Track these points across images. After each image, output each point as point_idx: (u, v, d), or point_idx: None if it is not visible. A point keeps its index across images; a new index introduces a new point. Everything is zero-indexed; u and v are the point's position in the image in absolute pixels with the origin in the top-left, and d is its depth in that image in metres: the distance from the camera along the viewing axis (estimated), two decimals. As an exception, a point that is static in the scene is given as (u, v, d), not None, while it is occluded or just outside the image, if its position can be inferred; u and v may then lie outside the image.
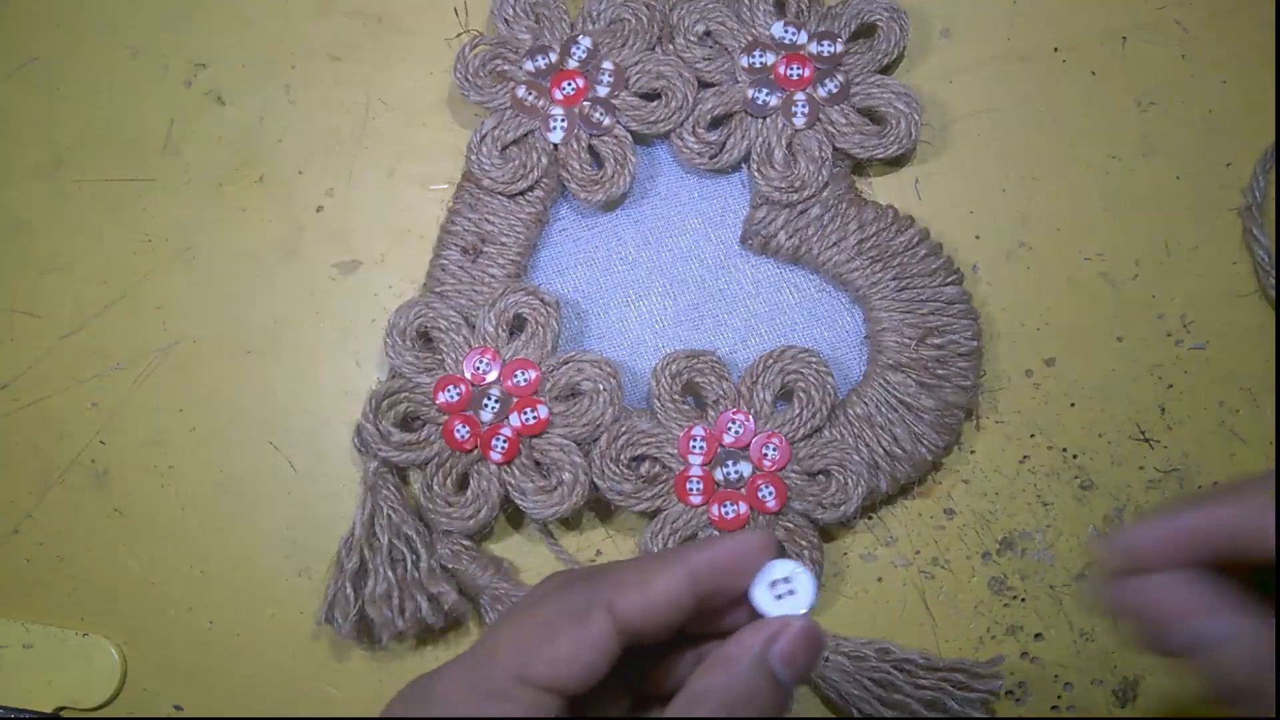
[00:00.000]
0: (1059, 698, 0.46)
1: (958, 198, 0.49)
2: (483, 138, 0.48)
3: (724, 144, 0.48)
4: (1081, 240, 0.49)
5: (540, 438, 0.46)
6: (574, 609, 0.29)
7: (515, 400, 0.46)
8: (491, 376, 0.46)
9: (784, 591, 0.31)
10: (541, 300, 0.46)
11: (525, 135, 0.49)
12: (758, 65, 0.48)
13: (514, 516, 0.48)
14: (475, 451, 0.46)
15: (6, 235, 0.51)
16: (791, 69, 0.48)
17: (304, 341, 0.50)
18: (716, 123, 0.49)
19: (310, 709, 0.47)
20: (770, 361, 0.46)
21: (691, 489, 0.45)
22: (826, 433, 0.46)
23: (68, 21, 0.53)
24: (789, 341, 0.48)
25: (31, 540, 0.49)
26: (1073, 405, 0.48)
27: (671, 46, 0.49)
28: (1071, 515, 0.47)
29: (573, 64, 0.49)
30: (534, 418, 0.45)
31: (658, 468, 0.46)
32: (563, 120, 0.48)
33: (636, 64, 0.49)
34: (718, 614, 0.31)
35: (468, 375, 0.46)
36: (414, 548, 0.46)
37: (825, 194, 0.48)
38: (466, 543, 0.46)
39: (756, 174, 0.48)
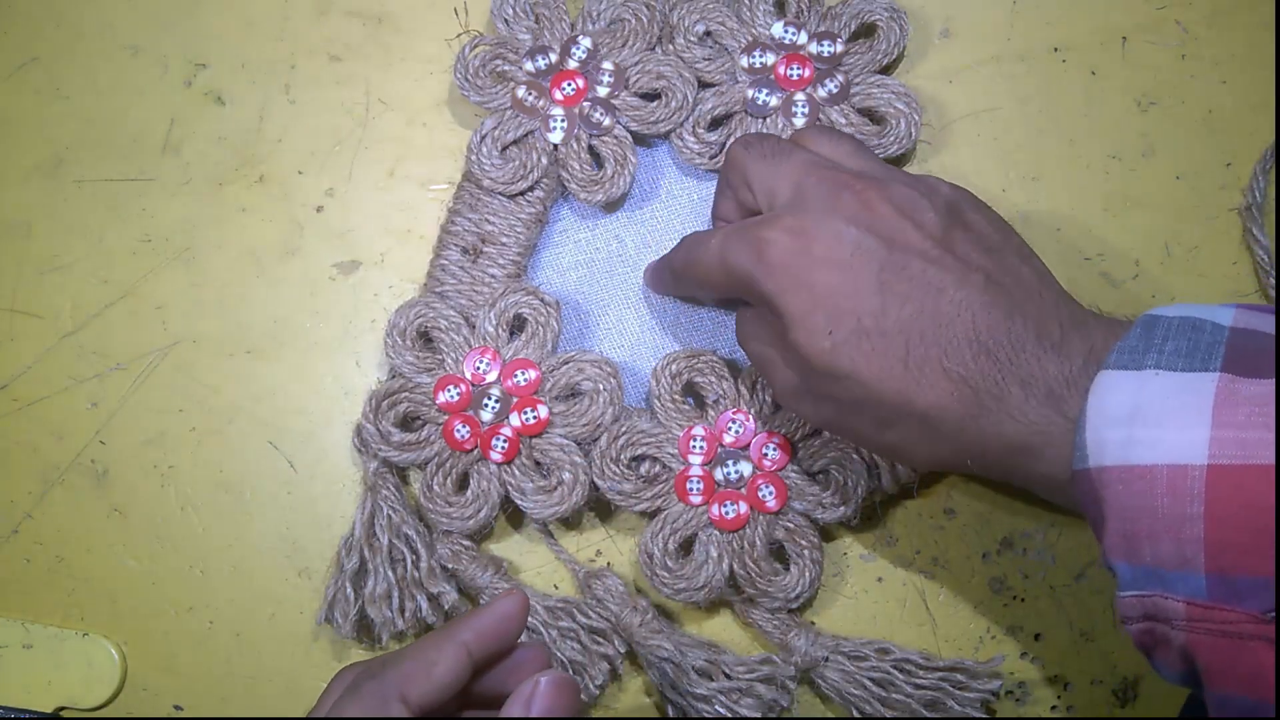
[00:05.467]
0: (1059, 697, 0.46)
1: (958, 198, 0.49)
2: (483, 138, 0.48)
3: (724, 144, 0.48)
4: (1081, 240, 0.49)
5: (540, 438, 0.46)
6: (372, 707, 0.34)
7: (515, 400, 0.46)
8: (491, 376, 0.46)
9: None
10: (541, 300, 0.46)
11: (525, 135, 0.49)
12: (758, 65, 0.48)
13: (514, 516, 0.48)
14: (475, 451, 0.46)
15: (6, 235, 0.51)
16: (791, 69, 0.48)
17: (304, 341, 0.50)
18: (716, 123, 0.49)
19: (310, 709, 0.47)
20: (770, 361, 0.46)
21: (692, 489, 0.45)
22: (826, 433, 0.46)
23: (68, 21, 0.53)
24: (789, 341, 0.48)
25: (31, 540, 0.49)
26: (1073, 405, 0.48)
27: (671, 46, 0.49)
28: (1072, 515, 0.47)
29: (573, 64, 0.49)
30: (534, 418, 0.45)
31: (658, 468, 0.46)
32: (563, 120, 0.48)
33: (636, 64, 0.49)
34: (495, 665, 0.38)
35: (468, 375, 0.46)
36: (414, 548, 0.46)
37: (825, 194, 0.48)
38: (466, 543, 0.46)
39: (756, 174, 0.48)
